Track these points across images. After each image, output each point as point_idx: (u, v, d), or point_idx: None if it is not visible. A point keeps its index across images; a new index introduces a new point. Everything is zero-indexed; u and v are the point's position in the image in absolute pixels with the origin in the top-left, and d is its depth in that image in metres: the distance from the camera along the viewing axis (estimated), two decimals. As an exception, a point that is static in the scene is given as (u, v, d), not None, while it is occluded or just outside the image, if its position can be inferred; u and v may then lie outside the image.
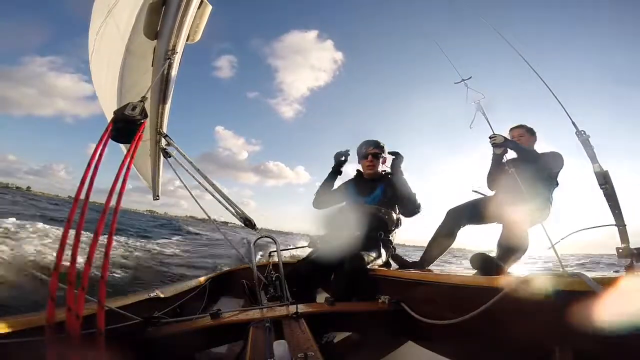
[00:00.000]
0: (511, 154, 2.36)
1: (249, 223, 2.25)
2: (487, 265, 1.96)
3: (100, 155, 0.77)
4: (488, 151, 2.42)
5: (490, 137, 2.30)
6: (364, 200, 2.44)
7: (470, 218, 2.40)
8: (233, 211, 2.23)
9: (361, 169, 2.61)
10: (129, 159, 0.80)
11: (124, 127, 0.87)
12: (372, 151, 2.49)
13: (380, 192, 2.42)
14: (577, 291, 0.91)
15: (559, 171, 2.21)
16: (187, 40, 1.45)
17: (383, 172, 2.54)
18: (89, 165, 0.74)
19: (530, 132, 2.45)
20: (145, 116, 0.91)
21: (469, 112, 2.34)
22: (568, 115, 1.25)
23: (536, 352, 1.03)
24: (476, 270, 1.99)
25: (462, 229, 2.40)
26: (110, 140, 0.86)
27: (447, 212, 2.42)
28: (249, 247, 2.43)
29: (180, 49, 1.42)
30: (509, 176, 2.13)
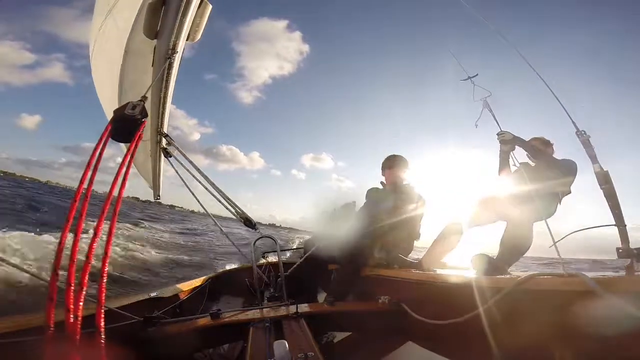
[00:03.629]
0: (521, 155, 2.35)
1: (249, 223, 2.24)
2: (487, 265, 1.95)
3: (100, 154, 0.77)
4: (494, 148, 2.41)
5: (498, 134, 2.28)
6: (380, 207, 2.45)
7: (475, 219, 2.38)
8: (233, 210, 2.22)
9: (384, 180, 2.63)
10: (129, 158, 0.79)
11: (124, 127, 0.87)
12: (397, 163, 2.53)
13: (393, 200, 2.42)
14: (577, 291, 0.91)
15: (573, 179, 2.18)
16: (187, 40, 1.44)
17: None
18: (88, 164, 0.73)
19: (546, 144, 2.44)
20: (145, 115, 0.90)
21: (475, 109, 2.32)
22: (568, 115, 1.25)
23: (536, 352, 1.03)
24: (476, 271, 1.98)
25: (468, 230, 2.38)
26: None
27: (452, 215, 2.39)
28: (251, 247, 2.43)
29: (180, 48, 1.41)
30: (517, 174, 2.11)
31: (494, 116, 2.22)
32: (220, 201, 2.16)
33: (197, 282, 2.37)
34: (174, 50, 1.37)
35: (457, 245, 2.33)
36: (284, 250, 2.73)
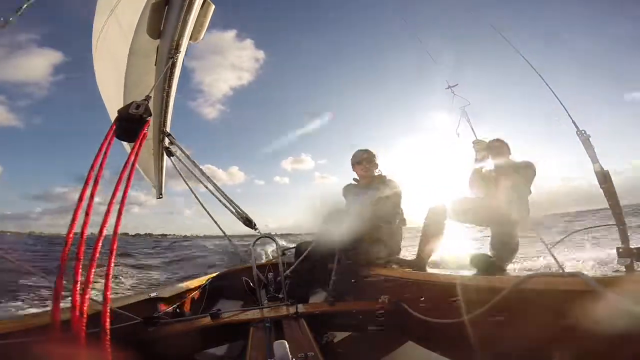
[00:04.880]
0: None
1: (249, 223, 2.24)
2: (487, 265, 1.96)
3: (106, 153, 0.77)
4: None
5: (473, 142, 2.35)
6: (359, 203, 2.47)
7: (454, 216, 2.40)
8: (233, 210, 2.22)
9: (356, 176, 2.66)
10: (133, 157, 0.80)
11: (129, 126, 0.88)
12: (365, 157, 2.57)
13: (371, 192, 2.44)
14: (576, 291, 0.91)
15: (532, 179, 2.26)
16: (190, 40, 1.44)
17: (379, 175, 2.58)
18: (93, 164, 0.74)
19: (506, 145, 2.49)
20: (149, 114, 0.91)
21: (455, 118, 2.39)
22: (569, 115, 1.25)
23: (536, 352, 1.03)
24: (476, 270, 1.99)
25: (451, 219, 2.40)
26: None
27: (431, 209, 2.39)
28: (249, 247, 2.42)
29: (183, 48, 1.41)
30: (492, 182, 2.15)
31: (470, 125, 2.31)
32: (220, 201, 2.15)
33: (197, 282, 2.37)
34: (177, 49, 1.37)
35: (444, 232, 2.34)
36: (284, 249, 2.73)
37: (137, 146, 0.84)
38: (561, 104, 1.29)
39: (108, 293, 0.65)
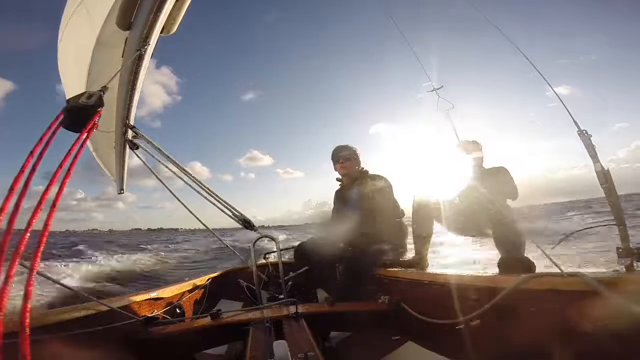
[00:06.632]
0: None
1: (248, 225, 2.17)
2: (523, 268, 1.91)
3: (47, 144, 0.71)
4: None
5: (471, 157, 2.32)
6: (345, 209, 2.44)
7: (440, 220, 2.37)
8: (229, 213, 2.07)
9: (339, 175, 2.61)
10: (77, 149, 0.74)
11: (77, 116, 0.82)
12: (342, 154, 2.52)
13: (356, 196, 2.41)
14: (577, 291, 0.91)
15: (508, 182, 2.23)
16: (161, 33, 1.39)
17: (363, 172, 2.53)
18: (31, 153, 0.67)
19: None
20: (101, 105, 0.86)
21: (439, 120, 2.37)
22: (570, 114, 1.25)
23: (536, 352, 1.03)
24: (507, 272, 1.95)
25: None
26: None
27: (416, 205, 2.34)
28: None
29: (153, 40, 1.35)
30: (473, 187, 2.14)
31: (454, 129, 2.28)
32: (209, 200, 2.00)
33: (197, 282, 2.37)
34: (146, 41, 1.32)
35: (433, 226, 2.31)
36: (284, 250, 2.72)
37: (82, 136, 0.78)
38: (562, 103, 1.29)
39: (30, 288, 0.57)
